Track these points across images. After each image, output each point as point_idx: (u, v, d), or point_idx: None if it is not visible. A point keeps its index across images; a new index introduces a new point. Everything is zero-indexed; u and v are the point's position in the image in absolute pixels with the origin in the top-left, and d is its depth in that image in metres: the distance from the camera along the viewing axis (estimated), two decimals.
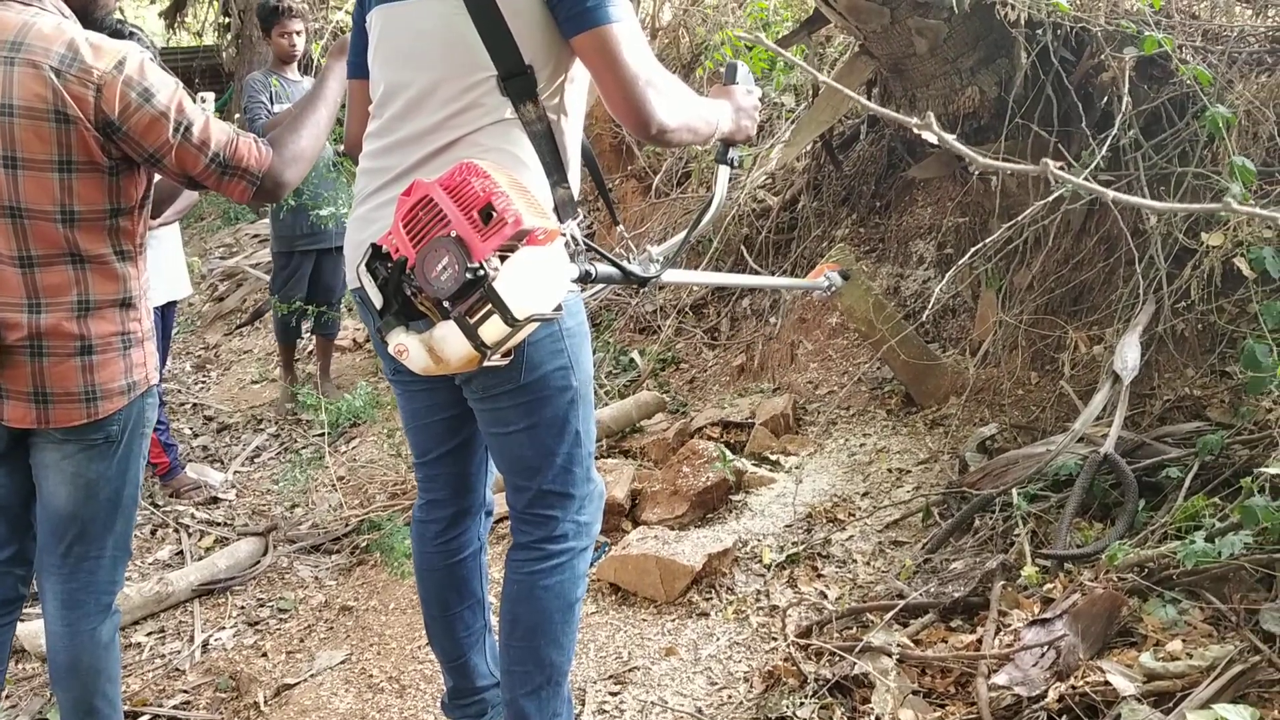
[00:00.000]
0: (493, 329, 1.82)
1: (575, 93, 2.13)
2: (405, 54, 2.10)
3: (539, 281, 1.86)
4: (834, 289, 3.35)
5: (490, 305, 1.80)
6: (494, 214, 1.81)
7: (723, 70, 2.40)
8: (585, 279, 2.07)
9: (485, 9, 1.98)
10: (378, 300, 1.92)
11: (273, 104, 5.34)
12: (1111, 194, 1.18)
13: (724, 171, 2.43)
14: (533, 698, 2.27)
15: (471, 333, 1.82)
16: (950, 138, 1.13)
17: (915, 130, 1.16)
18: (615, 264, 2.17)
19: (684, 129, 2.06)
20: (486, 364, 1.89)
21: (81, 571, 2.36)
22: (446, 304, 1.82)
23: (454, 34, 2.01)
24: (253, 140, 2.23)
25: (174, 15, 13.69)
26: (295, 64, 5.49)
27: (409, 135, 2.10)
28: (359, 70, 2.31)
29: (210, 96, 4.17)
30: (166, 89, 2.13)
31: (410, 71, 2.08)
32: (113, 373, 2.25)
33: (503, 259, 1.80)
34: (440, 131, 2.06)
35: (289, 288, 5.56)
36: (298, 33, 5.37)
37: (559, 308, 1.94)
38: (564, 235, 1.97)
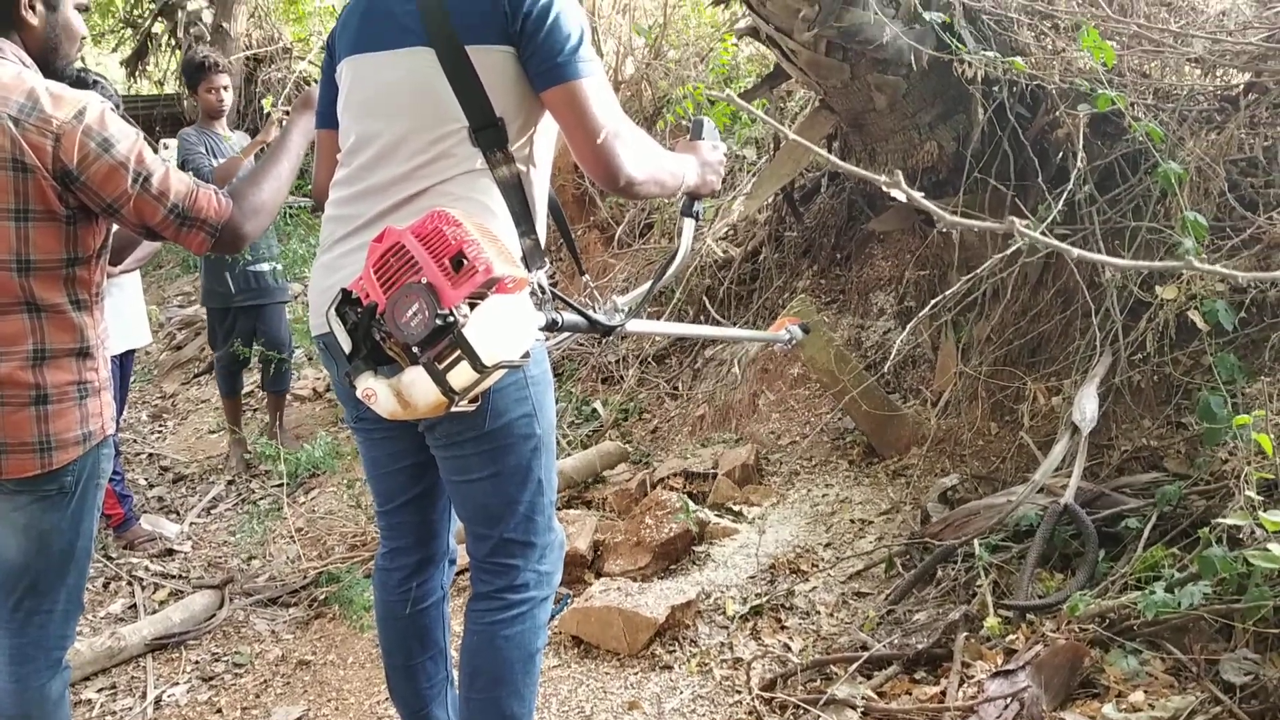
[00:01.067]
0: (461, 375, 1.83)
1: (544, 144, 2.16)
2: (375, 104, 2.12)
3: (508, 329, 1.88)
4: (794, 342, 3.37)
5: (459, 351, 1.81)
6: (465, 261, 1.82)
7: (688, 125, 2.44)
8: (551, 327, 2.09)
9: (458, 62, 2.01)
10: (346, 345, 1.92)
11: (211, 157, 5.31)
12: (1077, 252, 1.20)
13: (689, 224, 2.47)
14: None
15: (440, 378, 1.83)
16: (918, 195, 1.15)
17: (884, 188, 1.17)
18: (581, 313, 2.18)
19: (651, 181, 2.10)
20: (454, 410, 1.89)
21: (31, 626, 2.30)
22: (415, 349, 1.83)
23: (425, 85, 2.04)
24: (213, 191, 2.22)
25: (135, 64, 13.67)
26: (224, 119, 5.44)
27: (378, 184, 2.11)
28: (327, 120, 2.33)
29: (173, 143, 4.17)
30: (127, 139, 2.12)
31: (380, 121, 2.10)
32: (68, 422, 2.21)
33: (472, 306, 1.82)
34: (409, 181, 2.08)
35: (228, 341, 5.50)
36: (225, 88, 5.33)
37: (526, 354, 1.94)
38: (532, 284, 1.99)
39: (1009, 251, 3.24)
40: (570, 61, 1.98)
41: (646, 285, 2.51)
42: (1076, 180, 3.36)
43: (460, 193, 2.07)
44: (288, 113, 4.13)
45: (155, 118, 13.43)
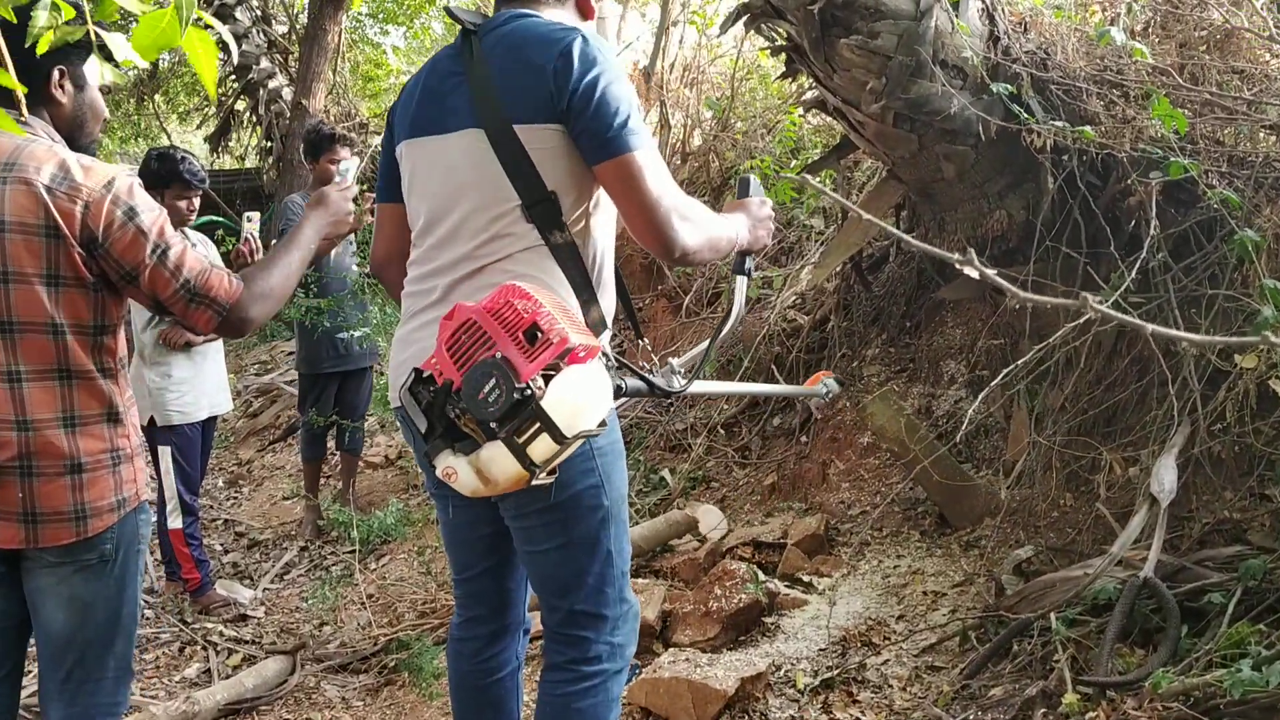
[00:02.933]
0: (542, 448, 1.85)
1: (603, 215, 2.20)
2: (438, 187, 2.18)
3: (585, 398, 1.89)
4: (830, 395, 3.34)
5: (539, 424, 1.83)
6: (539, 334, 1.85)
7: (735, 185, 2.48)
8: (617, 393, 2.10)
9: (507, 141, 2.06)
10: (422, 424, 1.93)
11: None
12: (1151, 328, 1.19)
13: (742, 281, 2.49)
14: None
15: (520, 452, 1.84)
16: (991, 272, 1.15)
17: (957, 265, 1.18)
18: (643, 378, 2.20)
19: (705, 249, 2.14)
20: (534, 483, 1.90)
21: (83, 694, 2.32)
22: (494, 425, 1.84)
23: (480, 167, 2.10)
24: (226, 274, 2.26)
25: (219, 139, 14.13)
26: None
27: (446, 263, 2.17)
28: (388, 194, 2.39)
29: (256, 216, 4.28)
30: (151, 212, 2.19)
31: (444, 203, 2.17)
32: (102, 490, 2.23)
33: (547, 379, 1.83)
34: (471, 259, 2.14)
35: (317, 407, 5.62)
36: (342, 160, 5.51)
37: (604, 423, 1.96)
38: (602, 350, 2.01)
39: (1082, 320, 3.21)
40: (620, 136, 2.01)
41: (703, 346, 2.53)
42: (1150, 248, 3.33)
43: (518, 269, 2.11)
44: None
45: (236, 191, 13.86)
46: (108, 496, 2.25)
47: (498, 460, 1.86)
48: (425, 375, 1.93)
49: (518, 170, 2.07)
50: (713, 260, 2.26)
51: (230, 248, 3.94)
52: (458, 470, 1.89)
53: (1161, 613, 2.83)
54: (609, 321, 2.22)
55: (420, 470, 2.51)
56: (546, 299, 1.91)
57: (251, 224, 4.20)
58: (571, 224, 2.12)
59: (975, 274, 1.12)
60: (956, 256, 1.12)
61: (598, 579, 2.22)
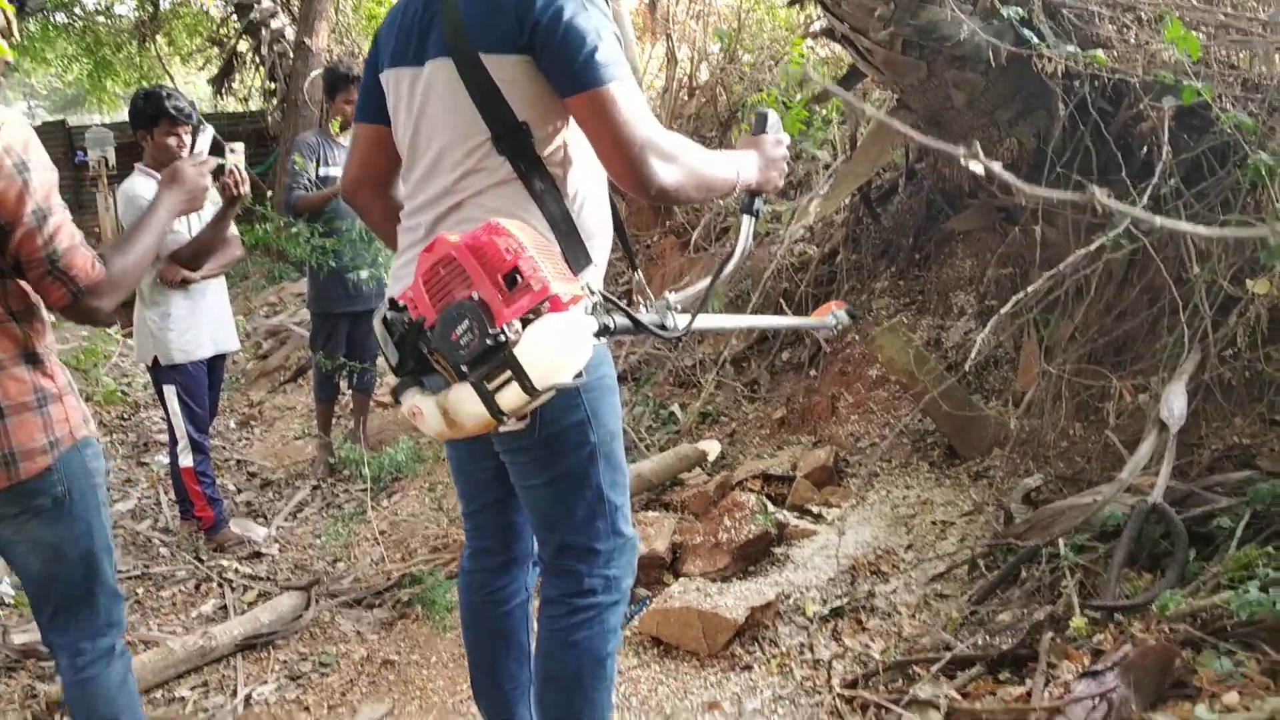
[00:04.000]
0: (511, 397, 1.81)
1: (584, 148, 2.11)
2: (418, 119, 2.15)
3: (561, 349, 1.83)
4: (840, 326, 3.28)
5: (510, 373, 1.78)
6: (520, 279, 1.80)
7: (752, 119, 2.40)
8: (603, 332, 2.04)
9: (475, 72, 2.01)
10: (393, 357, 1.91)
11: (320, 167, 5.48)
12: (1160, 220, 1.18)
13: (748, 221, 2.43)
14: None
15: (489, 399, 1.81)
16: (996, 166, 1.14)
17: (961, 160, 1.16)
18: (631, 317, 2.12)
19: (690, 187, 2.04)
20: (502, 429, 1.89)
21: (74, 626, 2.41)
22: (464, 368, 1.81)
23: (453, 98, 2.06)
24: (93, 257, 2.23)
25: (221, 81, 14.05)
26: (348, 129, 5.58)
27: (429, 198, 2.15)
28: (364, 115, 2.34)
29: (239, 146, 4.23)
30: (43, 171, 2.15)
31: (424, 136, 2.15)
32: (30, 432, 2.25)
33: (525, 323, 1.80)
34: (451, 193, 2.11)
35: (328, 347, 5.63)
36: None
37: (580, 374, 1.90)
38: (586, 296, 1.97)
39: (1093, 247, 3.19)
40: (589, 68, 1.93)
41: (704, 283, 2.50)
42: (1162, 174, 3.29)
43: (496, 204, 2.06)
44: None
45: (241, 133, 13.77)
46: (37, 438, 2.26)
47: (465, 403, 1.82)
48: (401, 306, 1.91)
49: (486, 101, 2.02)
50: (705, 199, 2.18)
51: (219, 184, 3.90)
52: (423, 410, 1.87)
53: (1169, 538, 2.84)
54: (596, 258, 2.16)
55: None
56: (530, 240, 1.87)
57: (235, 155, 4.16)
58: (548, 157, 2.07)
59: (979, 168, 1.10)
60: (961, 149, 1.10)
61: (587, 513, 2.22)
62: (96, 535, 2.39)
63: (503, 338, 1.77)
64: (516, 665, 2.50)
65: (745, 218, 2.42)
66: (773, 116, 2.38)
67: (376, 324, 1.93)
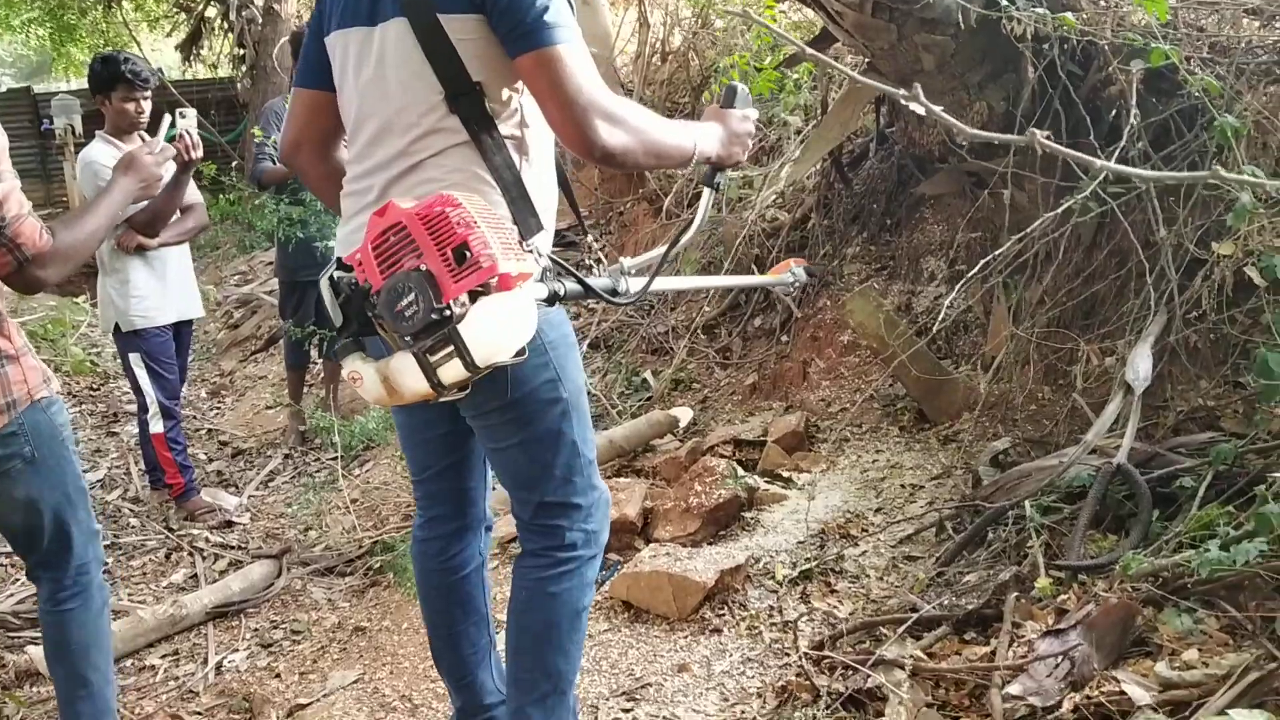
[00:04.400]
0: (451, 372, 1.82)
1: (534, 110, 2.08)
2: (370, 81, 2.11)
3: (505, 328, 1.85)
4: (798, 284, 3.21)
5: (453, 347, 1.79)
6: (468, 254, 1.78)
7: (721, 92, 2.38)
8: (553, 299, 2.04)
9: (430, 31, 1.99)
10: (337, 319, 1.93)
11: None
12: (1100, 162, 1.18)
13: (708, 194, 2.39)
14: (539, 706, 2.28)
15: (430, 371, 1.81)
16: (938, 109, 1.13)
17: (902, 101, 1.16)
18: (582, 282, 2.12)
19: (639, 153, 2.02)
20: (441, 399, 1.89)
21: (55, 567, 2.56)
22: (407, 338, 1.81)
23: (407, 58, 2.03)
24: (42, 227, 2.27)
25: (190, 48, 13.86)
26: None
27: (381, 160, 2.11)
28: (304, 79, 2.31)
29: (191, 112, 4.18)
30: None
31: (376, 98, 2.10)
32: None
33: (472, 298, 1.80)
34: (405, 155, 2.08)
35: (298, 315, 5.59)
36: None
37: (522, 352, 1.92)
38: (537, 265, 1.99)
39: (1060, 210, 3.20)
40: (538, 28, 1.92)
41: (658, 251, 2.49)
42: (1130, 137, 3.30)
43: (451, 165, 2.05)
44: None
45: (210, 101, 13.61)
46: None
47: (405, 373, 1.83)
48: (348, 267, 1.90)
49: (441, 61, 2.00)
50: (657, 166, 2.18)
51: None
52: (363, 376, 1.87)
53: (1134, 499, 2.86)
54: (546, 223, 2.15)
55: None
56: (481, 213, 1.85)
57: (185, 120, 4.11)
58: (502, 120, 2.06)
59: (920, 109, 1.10)
60: (902, 92, 1.10)
61: (565, 470, 2.23)
62: (70, 485, 2.50)
63: (448, 312, 1.77)
64: (475, 630, 2.50)
65: (706, 190, 2.39)
66: (741, 90, 2.35)
67: (323, 283, 1.93)
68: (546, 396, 2.17)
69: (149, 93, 4.47)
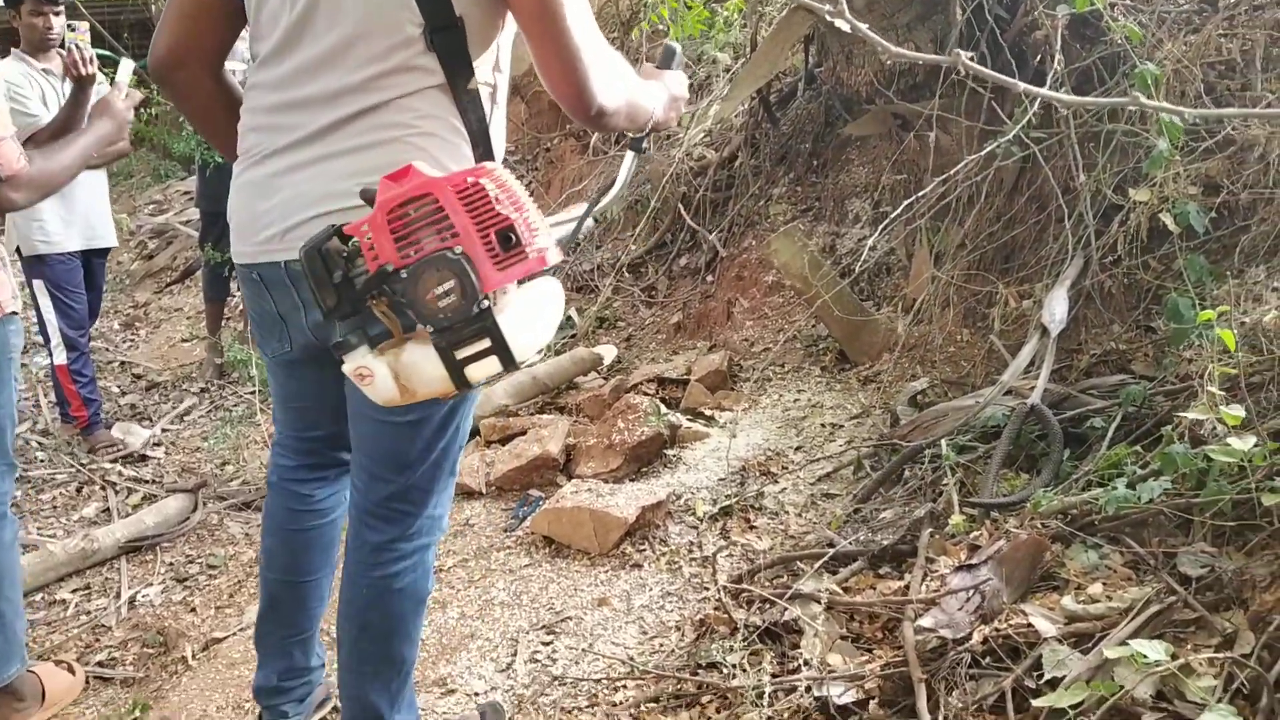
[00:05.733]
0: (484, 369, 1.61)
1: (506, 55, 1.90)
2: None
3: (545, 319, 1.67)
4: (645, 154, 2.90)
5: (490, 343, 1.58)
6: (514, 239, 1.56)
7: (663, 30, 2.28)
8: None
9: None
10: (331, 300, 1.61)
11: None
12: (1023, 85, 1.18)
13: (631, 158, 2.20)
14: (384, 692, 2.13)
15: (457, 370, 1.59)
16: (863, 27, 1.12)
17: (828, 16, 1.15)
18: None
19: (624, 115, 1.86)
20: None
21: None
22: (433, 333, 1.58)
23: None
24: (20, 153, 2.30)
25: None
26: None
27: (322, 92, 1.79)
28: None
29: (82, 25, 4.04)
30: None
31: (327, 15, 1.77)
32: None
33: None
34: (364, 92, 1.77)
35: (220, 245, 5.46)
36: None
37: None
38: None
39: (983, 153, 3.23)
40: None
41: (571, 213, 2.31)
42: (1054, 83, 3.33)
43: (425, 109, 1.79)
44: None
45: (123, 23, 13.09)
46: None
47: (424, 369, 1.60)
48: (351, 242, 1.61)
49: None
50: (626, 130, 1.95)
51: (112, 80, 3.71)
52: (374, 374, 1.62)
53: (1046, 438, 2.93)
54: None
55: (258, 334, 2.12)
56: (523, 193, 1.64)
57: (76, 33, 3.97)
58: (479, 64, 1.81)
59: (845, 25, 1.09)
60: (828, 7, 1.08)
61: (441, 454, 2.02)
62: (4, 407, 2.49)
63: (486, 304, 1.55)
64: (326, 581, 2.33)
65: (630, 154, 2.19)
66: (678, 52, 2.18)
67: (305, 253, 1.60)
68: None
69: (59, 8, 4.31)
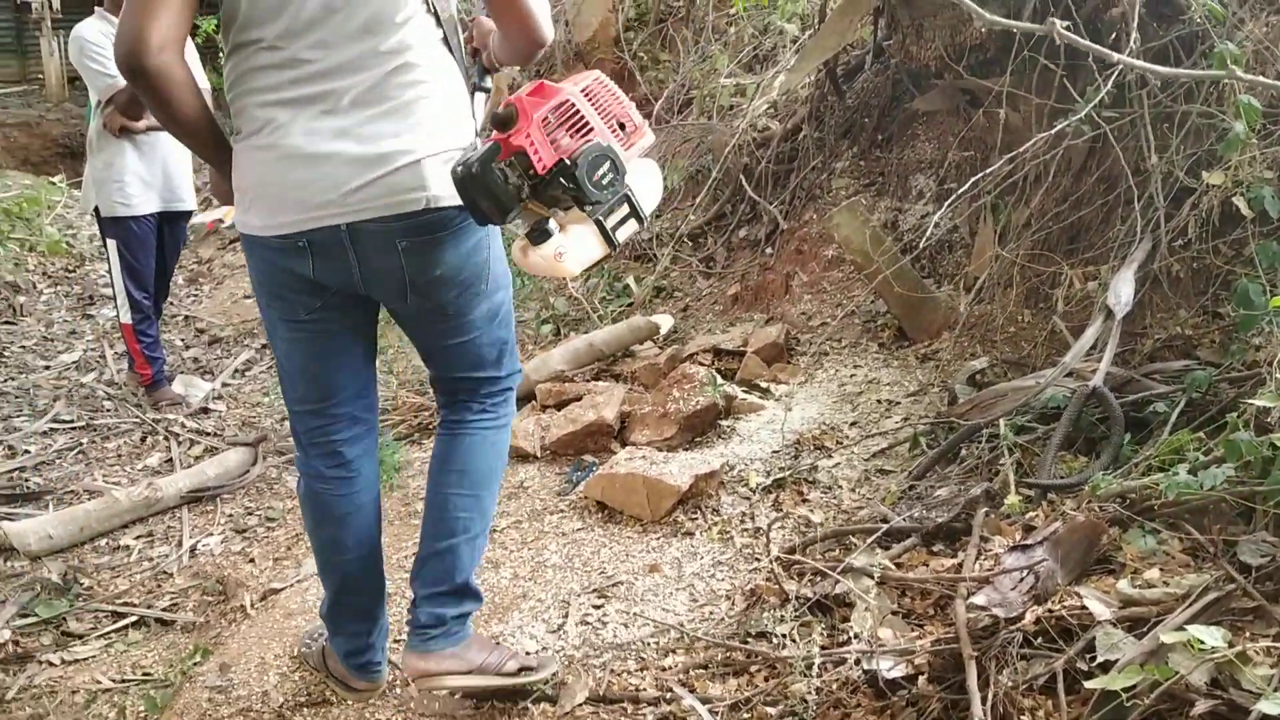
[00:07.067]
0: (628, 230, 2.05)
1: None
2: None
3: (655, 185, 2.14)
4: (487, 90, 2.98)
5: (628, 208, 2.03)
6: (628, 125, 2.04)
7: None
8: None
9: None
10: (514, 206, 1.95)
11: None
12: (1119, 56, 1.16)
13: (481, 98, 2.32)
14: (469, 544, 2.37)
15: (609, 236, 2.03)
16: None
17: None
18: None
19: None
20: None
21: None
22: (589, 208, 1.98)
23: None
24: None
25: None
26: None
27: (349, 60, 2.01)
28: None
29: None
30: None
31: None
32: None
33: None
34: (392, 55, 2.03)
35: None
36: None
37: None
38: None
39: (1053, 132, 3.18)
40: None
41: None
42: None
43: (438, 64, 2.10)
44: None
45: None
46: None
47: (587, 241, 2.03)
48: (510, 157, 1.94)
49: None
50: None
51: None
52: (567, 251, 2.02)
53: (1107, 421, 2.90)
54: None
55: (290, 299, 2.23)
56: (615, 85, 2.10)
57: None
58: (446, 20, 2.13)
59: None
60: None
61: (510, 343, 2.42)
62: None
63: (625, 177, 1.98)
64: (381, 556, 2.50)
65: (479, 94, 2.31)
66: None
67: (478, 169, 1.89)
68: (502, 280, 2.32)
69: None
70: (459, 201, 1.97)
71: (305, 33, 2.00)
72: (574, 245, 2.01)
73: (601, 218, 1.99)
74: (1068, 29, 1.20)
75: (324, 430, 2.35)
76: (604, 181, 1.94)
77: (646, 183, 2.07)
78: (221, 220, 3.58)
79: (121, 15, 1.93)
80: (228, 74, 2.13)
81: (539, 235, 2.00)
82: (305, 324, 2.24)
